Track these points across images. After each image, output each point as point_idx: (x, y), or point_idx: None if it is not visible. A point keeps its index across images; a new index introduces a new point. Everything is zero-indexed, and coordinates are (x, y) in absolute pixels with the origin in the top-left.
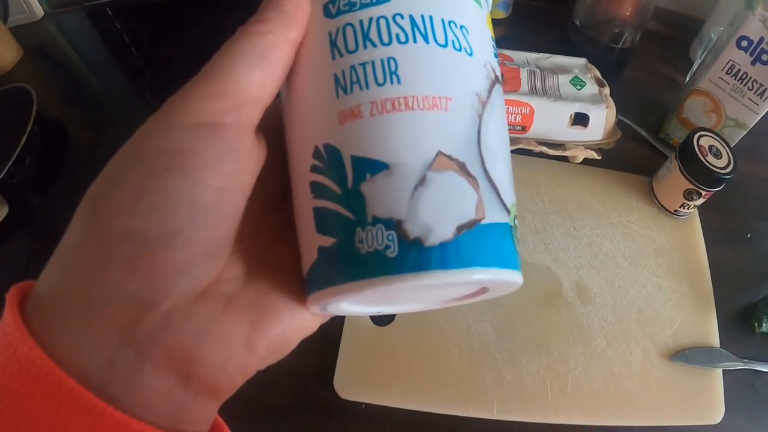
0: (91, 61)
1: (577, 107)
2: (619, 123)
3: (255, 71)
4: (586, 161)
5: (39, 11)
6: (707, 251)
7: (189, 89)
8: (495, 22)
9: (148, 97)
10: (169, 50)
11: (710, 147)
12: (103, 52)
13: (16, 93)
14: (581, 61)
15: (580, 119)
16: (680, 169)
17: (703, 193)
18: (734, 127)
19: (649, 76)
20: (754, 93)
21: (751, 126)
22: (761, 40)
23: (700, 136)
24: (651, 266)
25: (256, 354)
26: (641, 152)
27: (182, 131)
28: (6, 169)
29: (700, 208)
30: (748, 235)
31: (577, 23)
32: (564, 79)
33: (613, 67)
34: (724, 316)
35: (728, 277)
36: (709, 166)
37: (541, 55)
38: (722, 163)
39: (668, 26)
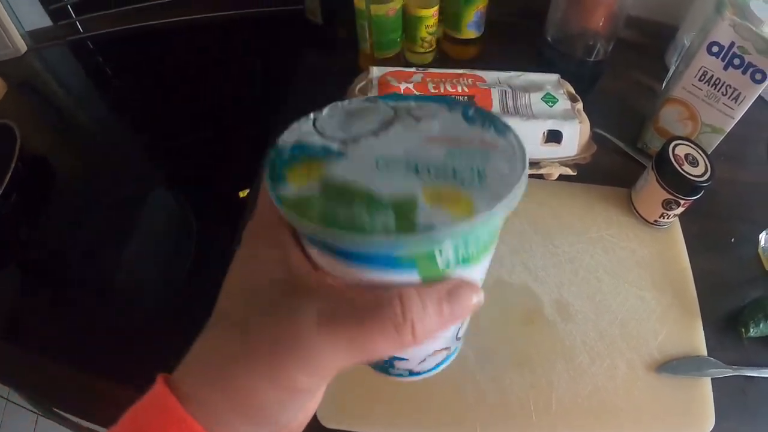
0: (75, 94)
1: (549, 124)
2: (596, 135)
3: None
4: (563, 177)
5: (22, 46)
6: (690, 259)
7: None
8: (468, 42)
9: (130, 128)
10: (150, 80)
11: (686, 155)
12: (87, 84)
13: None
14: (553, 77)
15: (554, 136)
16: (657, 179)
17: (682, 202)
18: (711, 133)
19: (626, 86)
20: (729, 98)
21: (728, 131)
22: (732, 44)
23: (676, 145)
24: (633, 279)
25: None
26: (619, 164)
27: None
28: None
29: (680, 216)
30: (732, 240)
31: (549, 39)
32: (536, 97)
33: (588, 80)
34: (711, 324)
35: (713, 284)
36: (686, 175)
37: (513, 73)
38: (699, 171)
39: (642, 34)
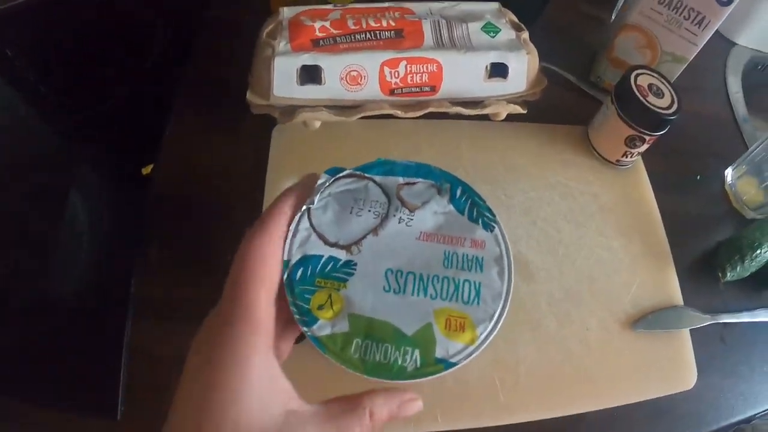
0: None
1: (493, 56)
2: (543, 70)
3: None
4: (511, 117)
5: None
6: (657, 201)
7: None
8: None
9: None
10: (46, 53)
11: (650, 86)
12: None
13: None
14: (493, 5)
15: (499, 70)
16: (618, 113)
17: (647, 138)
18: (672, 62)
19: (572, 16)
20: (691, 22)
21: (690, 59)
22: None
23: (638, 75)
24: (597, 227)
25: None
26: (572, 100)
27: None
28: None
29: (643, 154)
30: (698, 177)
31: None
32: (475, 27)
33: (530, 10)
34: (685, 270)
35: (682, 226)
36: (652, 107)
37: (446, 3)
38: (665, 102)
39: None
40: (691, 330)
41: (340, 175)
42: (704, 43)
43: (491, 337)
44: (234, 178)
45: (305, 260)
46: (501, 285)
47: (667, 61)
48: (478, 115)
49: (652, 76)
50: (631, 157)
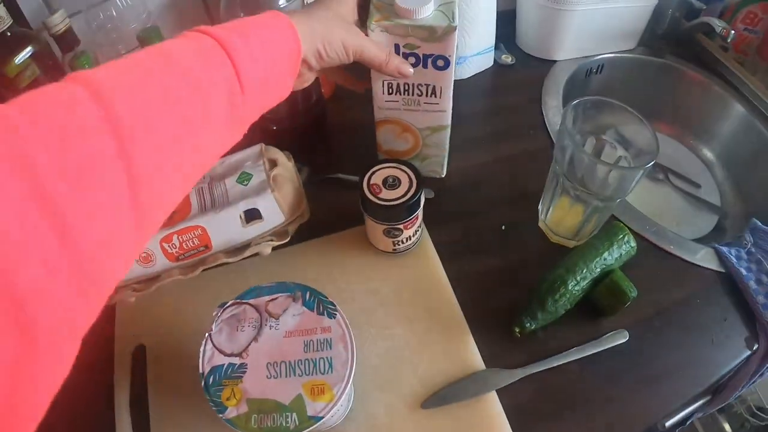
0: None
1: (243, 205)
2: (329, 181)
3: None
4: (303, 237)
5: None
6: (450, 269)
7: None
8: None
9: None
10: None
11: (385, 180)
12: None
13: None
14: (255, 149)
15: (252, 214)
16: (365, 216)
17: (401, 226)
18: (435, 133)
19: (347, 121)
20: (427, 96)
21: (449, 123)
22: (397, 47)
23: (372, 174)
24: (380, 320)
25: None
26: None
27: None
28: None
29: (435, 225)
30: (503, 227)
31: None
32: (231, 181)
33: (313, 126)
34: (486, 332)
35: (476, 289)
36: (383, 203)
37: (216, 162)
38: (400, 191)
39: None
40: (500, 391)
41: (226, 305)
42: (450, 104)
43: (345, 392)
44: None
45: (213, 370)
46: (347, 354)
47: (430, 134)
48: (247, 257)
49: (391, 167)
50: (403, 243)
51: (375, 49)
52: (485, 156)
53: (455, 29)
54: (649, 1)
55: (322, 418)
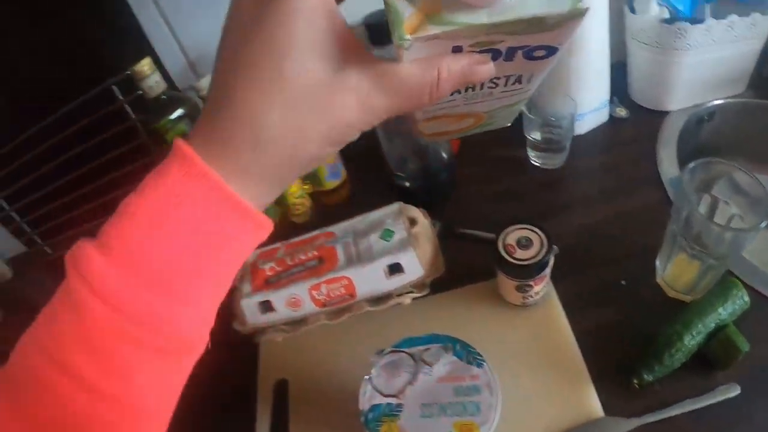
0: None
1: (386, 260)
2: (460, 236)
3: None
4: (432, 291)
5: (7, 273)
6: (575, 320)
7: None
8: (333, 191)
9: None
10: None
11: (518, 241)
12: None
13: None
14: (395, 207)
15: (395, 268)
16: (499, 271)
17: (532, 282)
18: (505, 109)
19: (481, 173)
20: (509, 85)
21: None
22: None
23: (506, 235)
24: (510, 371)
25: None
26: (486, 255)
27: None
28: None
29: (559, 279)
30: (623, 282)
31: (392, 167)
32: (375, 237)
33: (443, 187)
34: (607, 383)
35: (604, 340)
36: (517, 262)
37: (358, 218)
38: (533, 252)
39: None
40: None
41: (384, 352)
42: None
43: (492, 429)
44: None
45: (372, 408)
46: (492, 399)
47: (501, 110)
48: (388, 307)
49: (522, 228)
50: (531, 298)
51: (412, 80)
52: (604, 211)
53: (585, 12)
54: (755, 44)
55: None
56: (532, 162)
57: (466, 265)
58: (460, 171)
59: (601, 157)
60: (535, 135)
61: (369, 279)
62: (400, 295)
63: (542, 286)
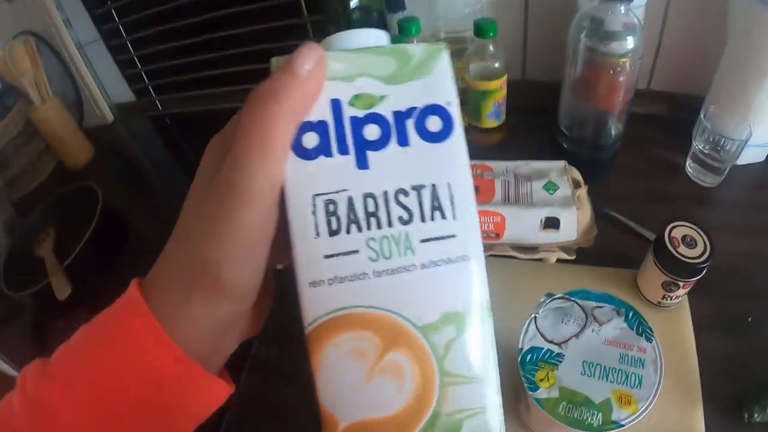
0: (154, 162)
1: (546, 212)
2: (608, 217)
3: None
4: (566, 260)
5: (110, 116)
6: (700, 339)
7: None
8: (489, 131)
9: None
10: None
11: (684, 237)
12: (164, 154)
13: (85, 190)
14: (560, 164)
15: (551, 223)
16: (655, 262)
17: (682, 284)
18: (459, 338)
19: (646, 162)
20: (427, 217)
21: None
22: (336, 106)
23: (674, 228)
24: None
25: None
26: (630, 244)
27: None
28: (73, 256)
29: (693, 295)
30: (749, 319)
31: (561, 126)
32: (537, 185)
33: (604, 161)
34: (715, 408)
35: (723, 366)
36: (680, 257)
37: (520, 162)
38: (696, 252)
39: (669, 107)
40: None
41: (555, 297)
42: (479, 233)
43: (646, 412)
44: None
45: (532, 350)
46: (655, 378)
47: (453, 342)
48: (532, 258)
49: (689, 227)
50: (670, 300)
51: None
52: (746, 246)
53: (444, 48)
54: None
55: (622, 426)
56: (687, 172)
57: (606, 248)
58: (618, 156)
59: (754, 193)
60: (702, 145)
61: (522, 224)
62: (545, 251)
63: (685, 293)
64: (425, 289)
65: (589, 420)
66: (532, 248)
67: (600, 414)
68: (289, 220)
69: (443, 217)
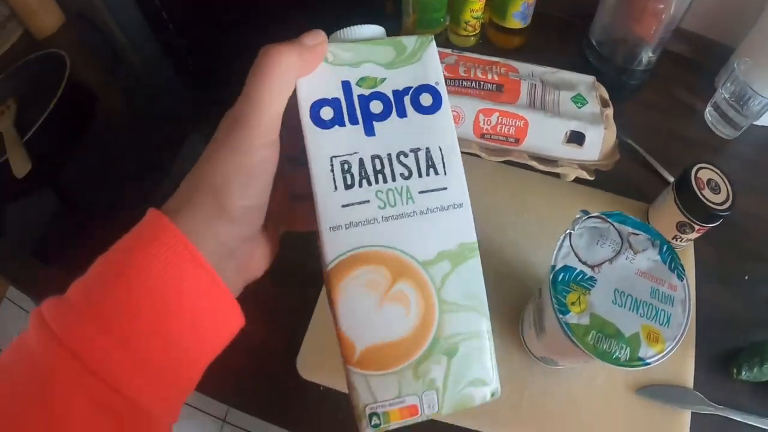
0: (129, 33)
1: (573, 125)
2: (624, 145)
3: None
4: (579, 180)
5: None
6: (699, 287)
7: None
8: (512, 32)
9: (181, 72)
10: (203, 29)
11: (709, 181)
12: (142, 25)
13: (52, 58)
14: (589, 78)
15: (576, 137)
16: (675, 200)
17: (696, 227)
18: (455, 269)
19: (666, 100)
20: (423, 173)
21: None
22: (347, 87)
23: (700, 169)
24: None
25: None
26: (643, 177)
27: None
28: (34, 130)
29: (698, 241)
30: (746, 278)
31: (593, 41)
32: (565, 96)
33: (627, 88)
34: (704, 358)
35: (716, 318)
36: (704, 200)
37: (548, 69)
38: (719, 198)
39: (695, 51)
40: (693, 414)
41: (591, 215)
42: (465, 185)
43: (672, 351)
44: None
45: (564, 269)
46: (683, 318)
47: (449, 274)
48: (549, 171)
49: (715, 172)
50: (680, 241)
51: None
52: (759, 205)
53: (431, 39)
54: None
55: (648, 364)
56: (706, 118)
57: (619, 176)
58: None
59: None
60: (727, 95)
61: (545, 133)
62: (564, 166)
63: (695, 237)
64: (423, 231)
65: (616, 354)
66: (552, 161)
67: (628, 349)
68: (312, 177)
69: (436, 173)
